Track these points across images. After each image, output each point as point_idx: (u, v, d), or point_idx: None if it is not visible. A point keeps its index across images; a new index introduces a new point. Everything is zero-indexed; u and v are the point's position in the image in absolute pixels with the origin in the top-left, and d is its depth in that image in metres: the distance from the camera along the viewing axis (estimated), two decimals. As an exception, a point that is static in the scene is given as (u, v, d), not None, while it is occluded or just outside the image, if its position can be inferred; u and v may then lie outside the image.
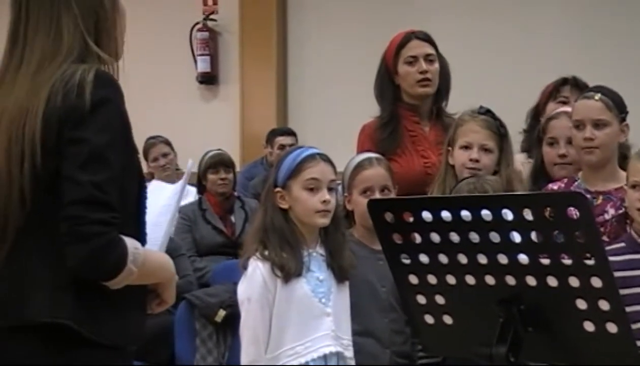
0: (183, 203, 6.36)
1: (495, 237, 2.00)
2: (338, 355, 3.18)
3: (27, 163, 2.15)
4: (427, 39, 4.05)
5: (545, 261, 1.99)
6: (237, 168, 6.61)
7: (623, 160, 3.43)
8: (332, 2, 7.99)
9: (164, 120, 7.62)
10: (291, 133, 7.32)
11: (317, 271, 3.20)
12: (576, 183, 3.45)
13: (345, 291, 3.28)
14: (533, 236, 1.98)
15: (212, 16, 8.22)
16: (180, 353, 4.94)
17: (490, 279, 2.05)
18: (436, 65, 4.02)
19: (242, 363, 3.16)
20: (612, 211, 3.36)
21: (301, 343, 3.12)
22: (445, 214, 2.03)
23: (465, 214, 2.01)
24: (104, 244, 2.10)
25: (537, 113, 4.22)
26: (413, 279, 2.15)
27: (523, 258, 2.00)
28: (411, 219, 2.09)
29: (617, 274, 3.06)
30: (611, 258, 3.09)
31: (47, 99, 2.16)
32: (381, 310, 3.48)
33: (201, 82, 8.22)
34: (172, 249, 5.50)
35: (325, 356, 3.14)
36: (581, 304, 1.99)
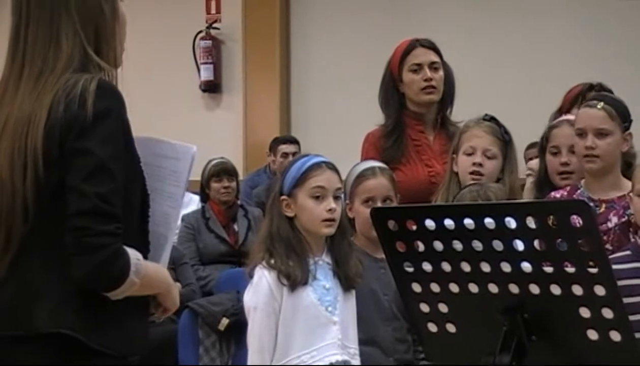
0: (185, 211, 6.38)
1: (498, 245, 2.00)
2: (345, 363, 3.17)
3: (29, 174, 2.16)
4: (432, 46, 4.04)
5: (549, 269, 1.99)
6: (241, 177, 6.61)
7: (627, 168, 3.42)
8: (336, 10, 8.00)
9: (168, 128, 7.57)
10: (294, 141, 7.32)
11: (324, 279, 3.20)
12: (579, 191, 3.44)
13: (352, 300, 3.27)
14: (536, 244, 1.98)
15: (215, 25, 8.23)
16: (183, 361, 4.93)
17: (493, 288, 2.05)
18: (441, 72, 4.01)
19: (247, 372, 3.16)
20: (615, 220, 3.35)
21: (307, 351, 3.12)
22: (449, 222, 2.03)
23: (469, 222, 2.00)
24: (110, 256, 2.11)
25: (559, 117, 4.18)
26: (416, 288, 2.15)
27: (526, 266, 2.00)
28: (414, 227, 2.09)
29: (623, 282, 3.09)
30: (617, 266, 3.11)
31: (49, 109, 2.16)
32: (384, 319, 3.48)
33: (204, 91, 8.23)
34: (175, 258, 5.56)
35: (331, 365, 3.14)
36: (585, 312, 1.99)
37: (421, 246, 2.09)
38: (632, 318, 2.98)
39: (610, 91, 4.03)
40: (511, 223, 1.97)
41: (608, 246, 3.27)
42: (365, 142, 4.04)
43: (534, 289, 2.01)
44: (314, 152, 3.40)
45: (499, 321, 2.03)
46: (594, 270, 1.95)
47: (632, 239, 3.30)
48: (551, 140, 3.67)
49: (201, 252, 5.92)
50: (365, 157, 3.92)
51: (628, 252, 3.22)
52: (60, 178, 2.14)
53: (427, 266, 2.10)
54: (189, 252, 5.81)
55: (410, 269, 2.13)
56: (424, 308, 2.17)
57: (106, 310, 2.17)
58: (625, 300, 2.98)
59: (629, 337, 1.99)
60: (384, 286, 3.43)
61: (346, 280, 3.22)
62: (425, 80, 3.97)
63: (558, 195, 3.47)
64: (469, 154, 3.61)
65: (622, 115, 3.39)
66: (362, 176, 3.57)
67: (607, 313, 1.97)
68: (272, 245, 3.17)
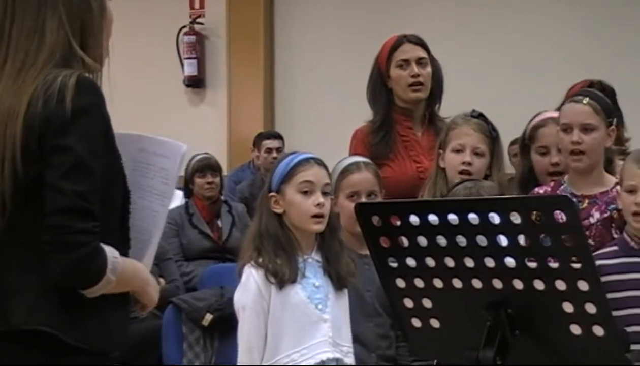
0: (170, 206, 6.35)
1: (482, 240, 2.00)
2: (337, 361, 3.16)
3: (7, 167, 2.14)
4: (420, 42, 4.03)
5: (532, 265, 1.99)
6: (224, 172, 6.60)
7: (609, 164, 3.44)
8: (320, 6, 8.00)
9: (151, 123, 7.58)
10: (278, 137, 7.32)
11: (313, 277, 3.18)
12: (562, 187, 3.45)
13: (344, 298, 3.26)
14: (520, 239, 1.99)
15: (199, 20, 8.21)
16: (167, 357, 4.92)
17: (477, 283, 2.05)
18: (428, 68, 4.00)
19: (236, 372, 3.15)
20: (597, 215, 3.37)
21: (297, 350, 3.10)
22: (433, 218, 2.03)
23: (453, 217, 2.01)
24: (88, 254, 2.10)
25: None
26: (400, 283, 2.15)
27: (510, 262, 2.01)
28: (398, 223, 2.09)
29: (610, 277, 3.10)
30: (604, 262, 3.13)
31: (29, 104, 2.15)
32: (366, 315, 3.47)
33: (188, 86, 8.22)
34: (159, 254, 5.49)
35: (323, 363, 3.12)
36: (568, 307, 2.00)
37: (405, 242, 2.09)
38: (620, 313, 3.04)
39: (612, 89, 4.04)
40: (495, 218, 1.97)
41: (590, 241, 3.27)
42: (353, 139, 4.03)
43: (518, 284, 2.02)
44: (297, 148, 3.40)
45: (483, 316, 2.04)
46: (577, 265, 1.96)
47: (615, 235, 3.32)
48: (538, 140, 3.66)
49: (185, 248, 5.91)
50: (353, 154, 3.91)
51: (615, 247, 3.23)
52: (38, 174, 2.13)
53: (411, 262, 2.11)
54: (173, 248, 5.80)
55: (395, 265, 2.14)
56: (408, 303, 2.17)
57: (85, 306, 2.16)
58: (613, 295, 3.02)
59: (612, 332, 2.00)
60: (366, 282, 3.43)
61: (338, 279, 3.21)
62: (413, 76, 3.96)
63: (542, 191, 3.48)
64: (458, 152, 3.60)
65: (606, 110, 3.40)
66: (346, 171, 3.58)
67: (590, 308, 1.98)
68: (261, 243, 3.16)
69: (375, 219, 2.11)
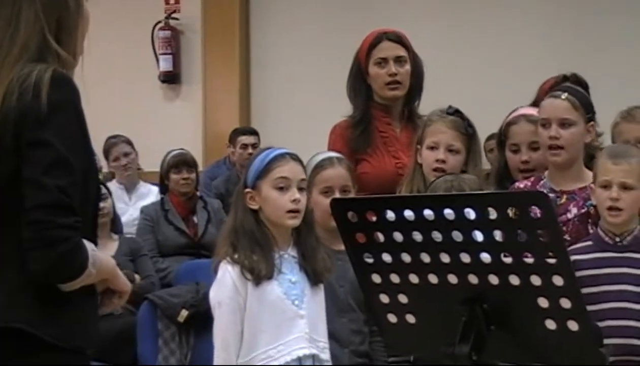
0: (144, 202, 6.34)
1: (457, 236, 2.01)
2: (314, 357, 3.15)
3: None
4: (399, 40, 4.00)
5: (508, 260, 2.00)
6: (200, 168, 6.59)
7: (590, 160, 3.44)
8: (296, 2, 7.99)
9: (126, 119, 7.58)
10: (254, 133, 7.31)
11: (289, 273, 3.18)
12: (542, 182, 3.46)
13: (320, 294, 3.25)
14: (496, 234, 1.99)
15: (174, 15, 8.18)
16: (142, 353, 4.91)
17: (453, 278, 2.06)
18: (407, 67, 3.98)
19: (212, 370, 3.13)
20: (574, 211, 3.38)
21: (274, 346, 3.09)
22: (408, 213, 2.03)
23: (428, 213, 2.01)
24: (70, 249, 2.10)
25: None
26: (376, 279, 2.15)
27: (485, 257, 2.01)
28: (374, 219, 2.09)
29: (585, 272, 3.12)
30: (579, 257, 3.15)
31: (3, 98, 2.13)
32: (340, 310, 3.47)
33: (163, 82, 8.18)
34: (134, 250, 5.53)
35: (299, 359, 3.12)
36: (543, 302, 2.00)
37: (381, 237, 2.09)
38: (594, 307, 3.06)
39: (585, 83, 4.05)
40: (470, 213, 1.98)
41: (567, 236, 3.29)
42: (332, 134, 4.02)
43: (493, 279, 2.02)
44: (272, 144, 3.39)
45: (459, 312, 2.04)
46: (552, 261, 1.96)
47: (591, 231, 3.33)
48: (510, 137, 3.68)
49: (160, 244, 5.89)
50: (332, 149, 3.90)
51: (589, 243, 3.24)
52: (14, 169, 2.12)
53: (387, 257, 2.11)
54: (148, 244, 5.78)
55: (370, 261, 2.13)
56: (384, 299, 2.17)
57: (59, 302, 2.15)
58: (587, 290, 3.04)
59: (586, 327, 2.01)
60: (340, 277, 3.42)
61: (314, 274, 3.20)
62: (390, 75, 3.95)
63: (522, 185, 3.49)
64: (432, 149, 3.61)
65: (585, 106, 3.42)
66: (320, 166, 3.57)
67: (565, 303, 1.99)
68: (237, 239, 3.15)
69: (351, 215, 2.11)
